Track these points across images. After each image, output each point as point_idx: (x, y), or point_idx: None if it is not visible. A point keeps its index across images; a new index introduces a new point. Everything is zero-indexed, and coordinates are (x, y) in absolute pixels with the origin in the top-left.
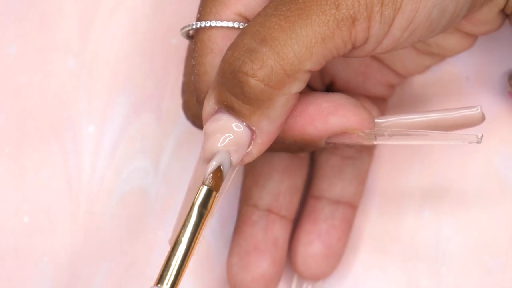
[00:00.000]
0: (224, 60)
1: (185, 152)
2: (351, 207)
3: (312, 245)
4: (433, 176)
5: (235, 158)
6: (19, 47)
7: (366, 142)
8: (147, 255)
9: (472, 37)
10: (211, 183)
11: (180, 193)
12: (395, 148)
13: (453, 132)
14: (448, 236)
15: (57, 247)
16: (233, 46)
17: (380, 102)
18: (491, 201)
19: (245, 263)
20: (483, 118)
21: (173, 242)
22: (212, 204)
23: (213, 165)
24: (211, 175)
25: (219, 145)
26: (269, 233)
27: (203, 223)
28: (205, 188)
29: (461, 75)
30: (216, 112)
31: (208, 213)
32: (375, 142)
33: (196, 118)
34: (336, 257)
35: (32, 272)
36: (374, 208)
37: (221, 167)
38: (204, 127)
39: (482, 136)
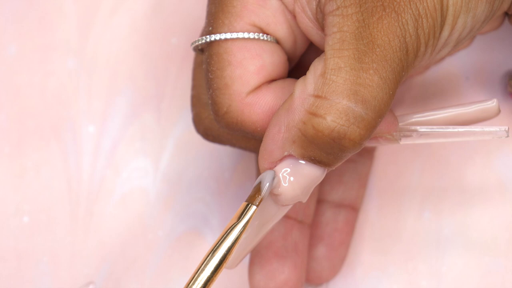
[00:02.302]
0: (320, 125)
1: (185, 152)
2: (353, 210)
3: (316, 249)
4: (433, 177)
5: (305, 197)
6: (19, 47)
7: (392, 144)
8: (147, 255)
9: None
10: (253, 199)
11: (180, 193)
12: (396, 149)
13: (479, 127)
14: (448, 236)
15: (57, 247)
16: (328, 109)
17: None
18: (491, 201)
19: (267, 271)
20: (499, 111)
21: (208, 251)
22: (250, 217)
23: (263, 184)
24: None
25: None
26: (288, 239)
27: (239, 235)
28: (244, 204)
29: (461, 75)
30: (288, 157)
31: (247, 224)
32: (401, 143)
33: (208, 130)
34: (339, 260)
35: (32, 272)
36: (375, 209)
37: (261, 183)
38: (282, 173)
39: (508, 128)
